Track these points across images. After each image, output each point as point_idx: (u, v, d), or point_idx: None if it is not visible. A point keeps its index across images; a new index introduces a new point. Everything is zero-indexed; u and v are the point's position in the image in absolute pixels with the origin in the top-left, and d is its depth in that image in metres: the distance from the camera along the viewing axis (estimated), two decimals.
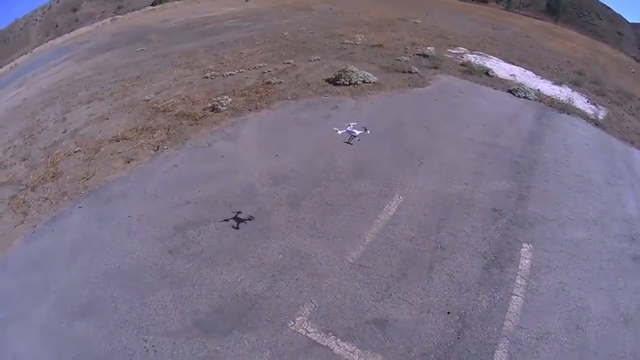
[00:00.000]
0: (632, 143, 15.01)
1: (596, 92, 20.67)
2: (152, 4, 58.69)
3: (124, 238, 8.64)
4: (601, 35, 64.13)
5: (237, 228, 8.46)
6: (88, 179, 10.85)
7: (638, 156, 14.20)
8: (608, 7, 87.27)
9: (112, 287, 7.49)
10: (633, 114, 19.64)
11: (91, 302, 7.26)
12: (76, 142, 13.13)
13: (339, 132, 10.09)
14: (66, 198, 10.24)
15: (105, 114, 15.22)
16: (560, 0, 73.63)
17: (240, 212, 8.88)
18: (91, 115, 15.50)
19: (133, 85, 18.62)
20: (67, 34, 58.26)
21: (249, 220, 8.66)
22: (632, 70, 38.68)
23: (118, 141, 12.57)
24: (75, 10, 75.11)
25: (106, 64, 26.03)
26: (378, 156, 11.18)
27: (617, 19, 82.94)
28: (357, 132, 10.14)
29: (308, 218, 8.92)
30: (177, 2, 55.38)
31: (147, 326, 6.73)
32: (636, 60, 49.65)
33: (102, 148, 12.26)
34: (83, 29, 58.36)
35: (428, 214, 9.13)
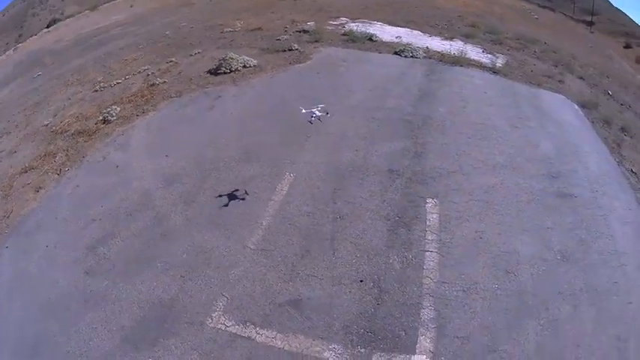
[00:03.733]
0: (539, 85, 17.05)
1: (493, 42, 22.94)
2: (47, 27, 59.56)
3: (47, 268, 9.14)
4: None
5: None
6: (8, 217, 11.15)
7: (548, 97, 16.12)
8: None
9: (48, 320, 7.93)
10: (538, 57, 21.93)
11: (35, 341, 7.66)
12: None
13: (304, 111, 10.81)
14: None
15: (13, 147, 15.47)
16: None
17: None
18: (1, 151, 15.57)
19: (33, 113, 18.88)
20: None
21: None
22: (535, 17, 42.25)
23: (26, 172, 12.99)
24: None
25: (10, 96, 25.79)
26: (263, 138, 12.19)
27: None
28: (318, 113, 10.95)
29: (204, 213, 9.74)
30: (68, 20, 56.95)
31: (86, 352, 7.26)
32: (540, 6, 53.94)
33: (14, 183, 12.60)
34: None
35: (321, 187, 10.10)
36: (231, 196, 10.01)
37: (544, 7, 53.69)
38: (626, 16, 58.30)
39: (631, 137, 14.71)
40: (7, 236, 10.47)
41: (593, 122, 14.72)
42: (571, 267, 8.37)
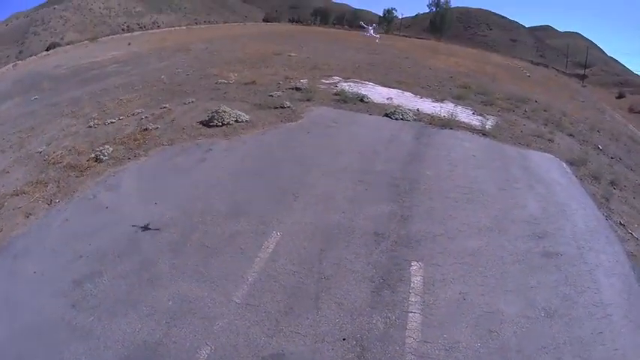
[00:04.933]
0: (527, 146, 17.58)
1: (484, 103, 23.85)
2: (47, 49, 63.52)
3: (33, 294, 9.32)
4: (491, 45, 70.62)
5: None
6: None
7: (536, 157, 16.61)
8: (502, 16, 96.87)
9: (32, 343, 8.12)
10: (528, 117, 22.74)
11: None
12: None
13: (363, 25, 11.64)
14: None
15: (6, 167, 16.11)
16: (445, 16, 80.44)
17: None
18: None
19: (28, 137, 19.74)
20: None
21: None
22: (528, 75, 43.43)
23: (17, 195, 13.46)
24: None
25: (7, 114, 27.03)
26: (252, 195, 12.50)
27: (511, 25, 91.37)
28: (372, 31, 11.65)
29: (191, 263, 9.94)
30: (67, 47, 61.78)
31: None
32: (533, 63, 55.29)
33: (5, 204, 13.07)
34: None
35: (307, 247, 10.36)
36: None
37: (537, 64, 55.22)
38: (620, 64, 59.84)
39: (620, 190, 15.25)
40: None
41: (581, 179, 15.15)
42: (555, 322, 8.56)
